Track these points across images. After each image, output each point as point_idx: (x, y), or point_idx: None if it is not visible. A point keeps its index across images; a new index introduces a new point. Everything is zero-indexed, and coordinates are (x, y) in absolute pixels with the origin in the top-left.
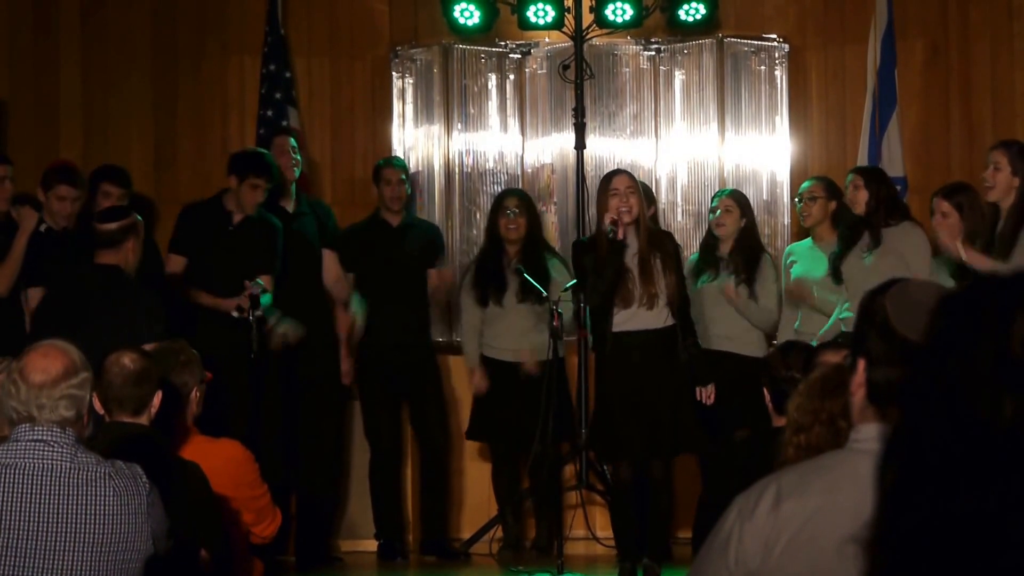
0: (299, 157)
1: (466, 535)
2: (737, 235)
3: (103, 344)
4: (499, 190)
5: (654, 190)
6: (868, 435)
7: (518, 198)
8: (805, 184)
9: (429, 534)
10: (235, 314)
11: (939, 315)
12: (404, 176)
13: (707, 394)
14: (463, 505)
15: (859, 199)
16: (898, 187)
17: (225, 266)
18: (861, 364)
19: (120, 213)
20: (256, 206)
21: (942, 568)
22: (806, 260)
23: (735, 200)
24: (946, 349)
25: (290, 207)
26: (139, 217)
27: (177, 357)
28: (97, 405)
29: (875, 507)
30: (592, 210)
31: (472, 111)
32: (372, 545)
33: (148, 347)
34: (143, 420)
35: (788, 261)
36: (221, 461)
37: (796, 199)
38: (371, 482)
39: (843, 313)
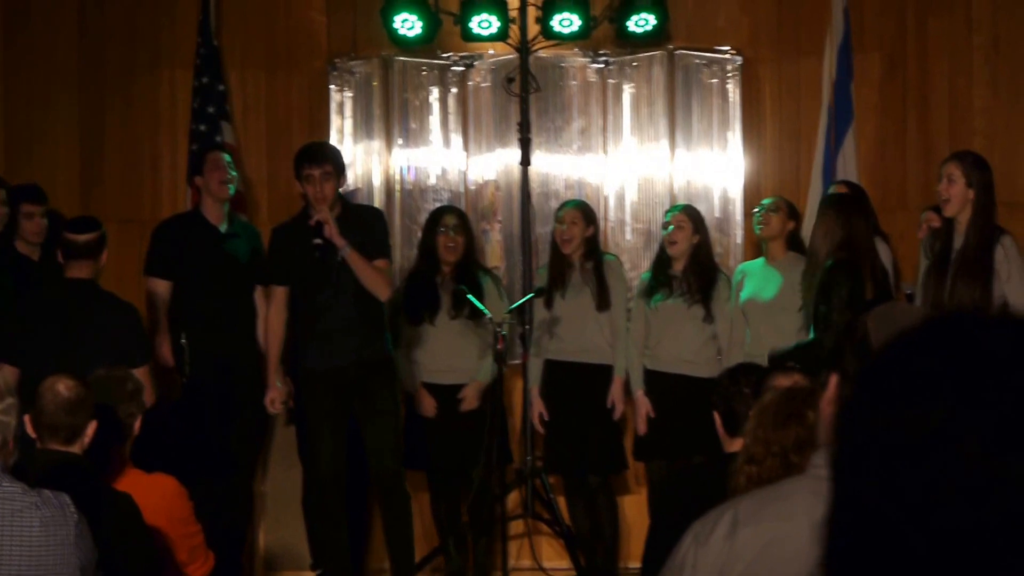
0: (234, 174)
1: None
2: (690, 252)
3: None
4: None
5: (602, 207)
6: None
7: (457, 216)
8: (767, 199)
9: (361, 566)
10: (317, 241)
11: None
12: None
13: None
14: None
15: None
16: None
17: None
18: (834, 380)
19: (92, 223)
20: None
21: None
22: (757, 279)
23: (688, 216)
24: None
25: (222, 227)
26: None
27: (124, 386)
28: (30, 429)
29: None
30: (538, 228)
31: (414, 126)
32: None
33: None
34: (75, 449)
35: (739, 279)
36: (155, 495)
37: (755, 209)
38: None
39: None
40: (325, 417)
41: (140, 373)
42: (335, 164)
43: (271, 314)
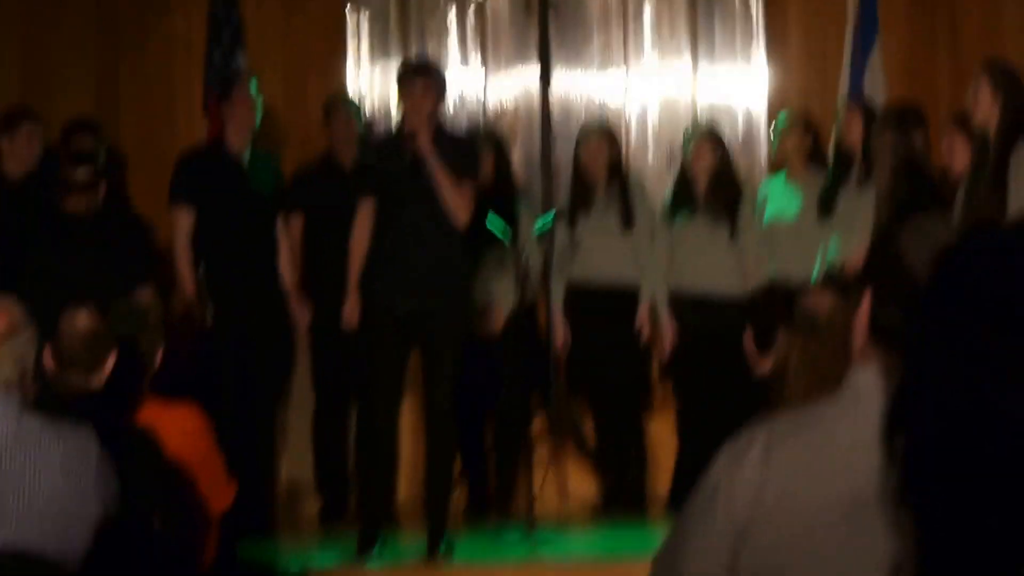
0: (260, 104)
1: (415, 493)
2: (713, 172)
3: (98, 293)
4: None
5: (623, 128)
6: (864, 380)
7: (488, 138)
8: (782, 115)
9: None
10: (407, 152)
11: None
12: (355, 113)
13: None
14: (408, 463)
15: (854, 131)
16: None
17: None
18: (867, 297)
19: (87, 157)
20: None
21: (974, 514)
22: (779, 197)
23: (709, 135)
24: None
25: (245, 157)
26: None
27: (146, 317)
28: (48, 362)
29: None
30: (559, 150)
31: (431, 45)
32: (313, 507)
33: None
34: (95, 381)
35: (761, 198)
36: (176, 426)
37: (771, 131)
38: (315, 437)
39: (830, 252)
40: (387, 344)
41: (144, 293)
42: (436, 81)
43: (358, 224)
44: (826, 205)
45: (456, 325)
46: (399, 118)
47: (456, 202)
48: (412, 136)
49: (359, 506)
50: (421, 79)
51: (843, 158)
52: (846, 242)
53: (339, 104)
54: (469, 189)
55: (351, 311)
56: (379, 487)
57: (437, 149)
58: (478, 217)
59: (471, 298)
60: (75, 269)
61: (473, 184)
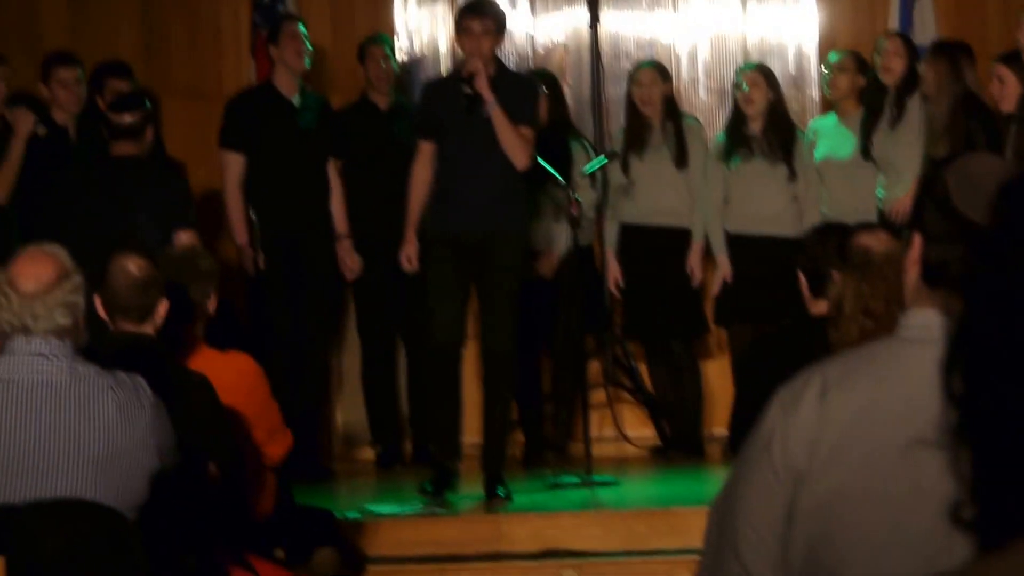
0: (310, 47)
1: (473, 439)
2: (767, 111)
3: (143, 236)
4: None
5: (674, 66)
6: (920, 322)
7: (543, 79)
8: (833, 54)
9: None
10: (467, 91)
11: (1006, 197)
12: (389, 52)
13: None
14: (465, 408)
15: (895, 66)
16: None
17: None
18: (917, 240)
19: (135, 101)
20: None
21: None
22: (831, 137)
23: (761, 74)
24: (1013, 234)
25: (295, 100)
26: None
27: (196, 264)
28: (100, 311)
29: (947, 406)
30: (609, 89)
31: None
32: (369, 453)
33: (180, 243)
34: (148, 329)
35: (811, 138)
36: (231, 374)
37: (824, 70)
38: (364, 384)
39: (878, 191)
40: (448, 283)
41: (187, 237)
42: (496, 21)
43: (416, 169)
44: (864, 147)
45: (516, 257)
46: (458, 59)
47: (516, 144)
48: (471, 77)
49: (417, 450)
50: (479, 19)
51: (880, 95)
52: (893, 181)
53: (373, 44)
54: (529, 131)
55: (409, 254)
56: (448, 428)
57: (496, 91)
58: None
59: (529, 233)
60: (125, 215)
61: (533, 127)
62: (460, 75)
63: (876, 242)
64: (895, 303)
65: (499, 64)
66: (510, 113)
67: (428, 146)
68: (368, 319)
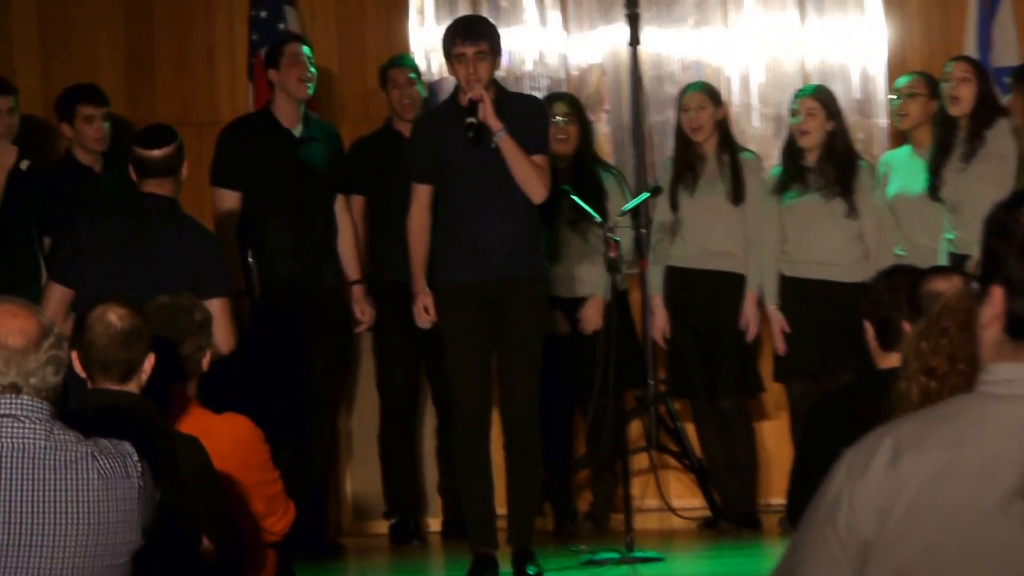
0: (314, 70)
1: (499, 509)
2: (824, 141)
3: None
4: (539, 97)
5: (725, 90)
6: (1003, 376)
7: (567, 104)
8: (902, 79)
9: (456, 511)
10: (471, 120)
11: None
12: (415, 76)
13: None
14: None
15: (964, 94)
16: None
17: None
18: (998, 292)
19: (166, 134)
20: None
21: None
22: (904, 171)
23: (818, 100)
24: None
25: (297, 130)
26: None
27: (190, 315)
28: (78, 367)
29: None
30: (652, 117)
31: (504, 3)
32: (383, 526)
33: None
34: (132, 388)
35: (883, 172)
36: (226, 439)
37: (890, 96)
38: (381, 448)
39: (948, 233)
40: (466, 342)
41: (219, 306)
42: (491, 42)
43: (414, 215)
44: (932, 184)
45: (538, 307)
46: (450, 86)
47: (531, 176)
48: (473, 106)
49: (448, 525)
50: (472, 43)
51: (950, 128)
52: (965, 221)
53: (395, 67)
54: (543, 160)
55: (420, 310)
56: (484, 512)
57: (502, 119)
58: (559, 194)
59: (550, 278)
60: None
61: (547, 154)
62: (459, 105)
63: (950, 288)
64: (962, 360)
65: (499, 88)
66: (520, 141)
67: (426, 189)
68: (388, 373)
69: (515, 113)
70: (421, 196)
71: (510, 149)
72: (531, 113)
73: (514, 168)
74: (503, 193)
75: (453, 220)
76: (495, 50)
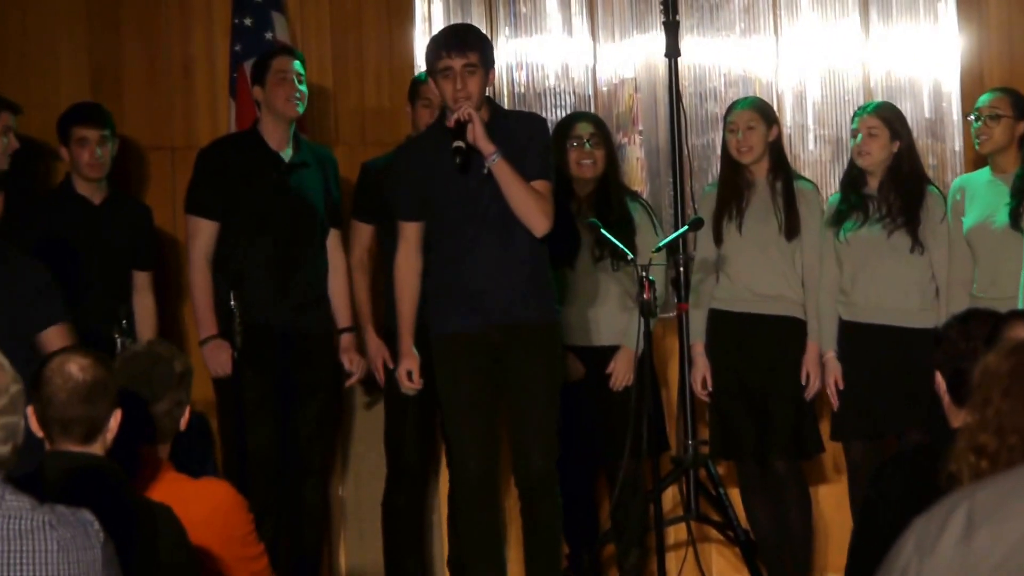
0: (304, 89)
1: None
2: (888, 165)
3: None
4: (564, 115)
5: (777, 107)
6: None
7: (592, 124)
8: (984, 97)
9: None
10: (458, 144)
11: None
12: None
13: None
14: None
15: None
16: None
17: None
18: None
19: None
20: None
21: None
22: (984, 198)
23: (882, 119)
24: None
25: (286, 154)
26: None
27: (170, 366)
28: (35, 426)
29: None
30: (692, 139)
31: (524, 9)
32: None
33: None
34: (96, 449)
35: (958, 198)
36: (203, 506)
37: (972, 116)
38: (385, 516)
39: None
40: (466, 397)
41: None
42: (481, 55)
43: (401, 258)
44: (1014, 216)
45: (550, 354)
46: (437, 106)
47: (531, 205)
48: (460, 127)
49: None
50: (459, 54)
51: None
52: None
53: (424, 86)
54: (545, 186)
55: (403, 376)
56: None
57: (496, 141)
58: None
59: (560, 322)
60: None
61: (549, 179)
62: (445, 127)
63: None
64: (1012, 432)
65: (494, 107)
66: (518, 166)
67: (413, 227)
68: (397, 427)
69: (512, 134)
70: (409, 235)
71: (505, 174)
72: (530, 133)
73: (510, 196)
74: (501, 227)
75: (445, 260)
76: (486, 63)
